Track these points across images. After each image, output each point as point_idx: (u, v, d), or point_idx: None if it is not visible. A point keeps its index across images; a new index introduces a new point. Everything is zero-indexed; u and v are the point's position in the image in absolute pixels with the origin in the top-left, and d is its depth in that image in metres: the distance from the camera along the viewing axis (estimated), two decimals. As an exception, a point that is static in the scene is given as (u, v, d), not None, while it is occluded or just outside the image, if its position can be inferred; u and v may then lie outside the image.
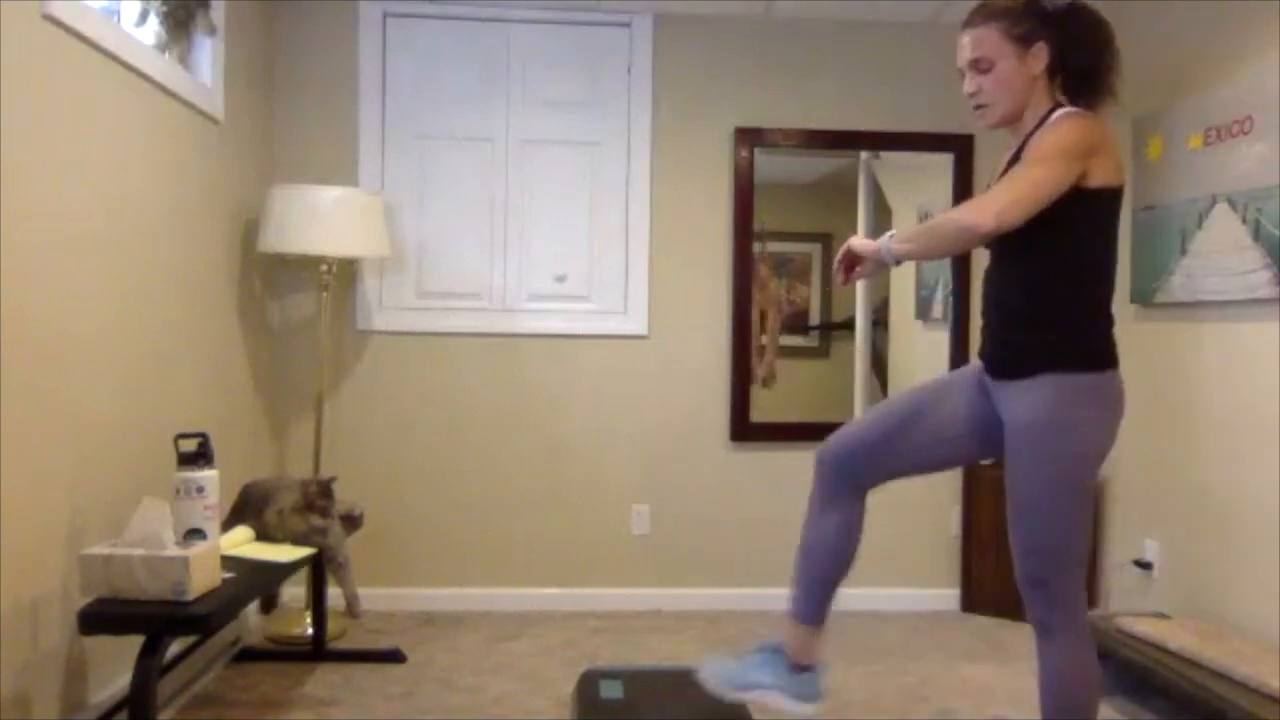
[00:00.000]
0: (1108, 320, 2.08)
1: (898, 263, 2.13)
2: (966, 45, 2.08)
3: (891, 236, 2.12)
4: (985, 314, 2.17)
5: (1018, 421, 2.03)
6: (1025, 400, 2.01)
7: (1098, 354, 2.04)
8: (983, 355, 2.17)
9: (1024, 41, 2.04)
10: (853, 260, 2.21)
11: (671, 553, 4.07)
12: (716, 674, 2.35)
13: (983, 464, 3.94)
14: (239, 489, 3.08)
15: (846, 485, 2.25)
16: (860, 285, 4.13)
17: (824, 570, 2.27)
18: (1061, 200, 1.94)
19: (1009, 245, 2.05)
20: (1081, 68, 2.08)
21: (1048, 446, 1.99)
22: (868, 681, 3.22)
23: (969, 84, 2.10)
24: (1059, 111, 2.03)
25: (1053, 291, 2.02)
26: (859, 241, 2.19)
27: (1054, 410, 1.98)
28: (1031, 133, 2.04)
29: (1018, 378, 2.04)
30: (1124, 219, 3.75)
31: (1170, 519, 3.44)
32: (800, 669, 2.30)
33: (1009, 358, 2.07)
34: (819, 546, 2.27)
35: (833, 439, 2.27)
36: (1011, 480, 2.04)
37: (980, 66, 2.07)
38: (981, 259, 2.23)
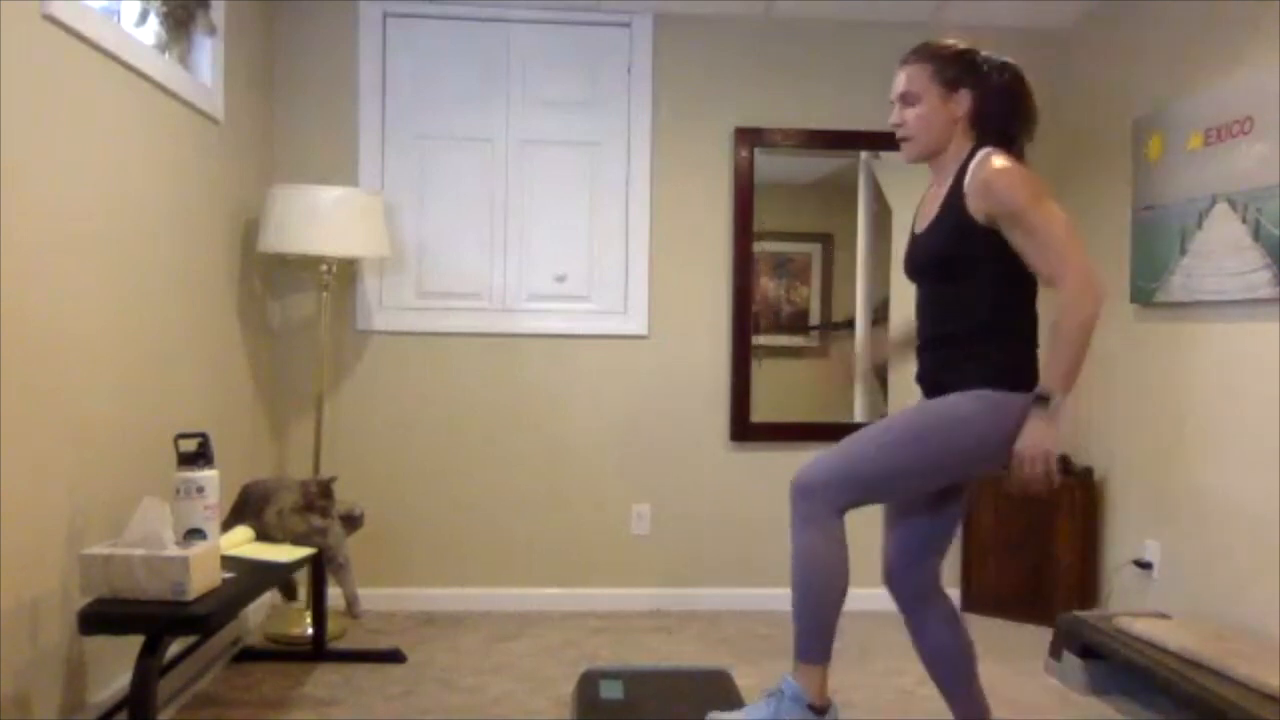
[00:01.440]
0: (1031, 346, 2.18)
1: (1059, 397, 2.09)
2: (900, 79, 2.24)
3: (1041, 398, 2.05)
4: (919, 336, 2.29)
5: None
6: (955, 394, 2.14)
7: (1017, 378, 2.12)
8: (918, 377, 2.29)
9: (951, 86, 2.18)
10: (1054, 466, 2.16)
11: (671, 553, 4.07)
12: None
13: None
14: (239, 489, 3.08)
15: (826, 511, 2.22)
16: (860, 285, 4.13)
17: (830, 607, 2.23)
18: (986, 237, 2.09)
19: (937, 276, 2.20)
20: (997, 124, 2.20)
21: (930, 407, 2.14)
22: (868, 681, 3.22)
23: (895, 115, 2.25)
24: (982, 151, 2.14)
25: (979, 319, 2.13)
26: (1051, 444, 2.08)
27: (958, 398, 2.11)
28: (960, 174, 2.14)
29: (945, 393, 2.15)
30: (1124, 219, 3.78)
31: (1170, 519, 3.44)
32: (820, 711, 2.25)
33: (940, 378, 2.19)
34: (819, 582, 2.22)
35: (806, 470, 2.22)
36: (899, 416, 2.18)
37: (907, 100, 2.22)
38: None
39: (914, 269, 2.30)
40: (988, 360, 2.12)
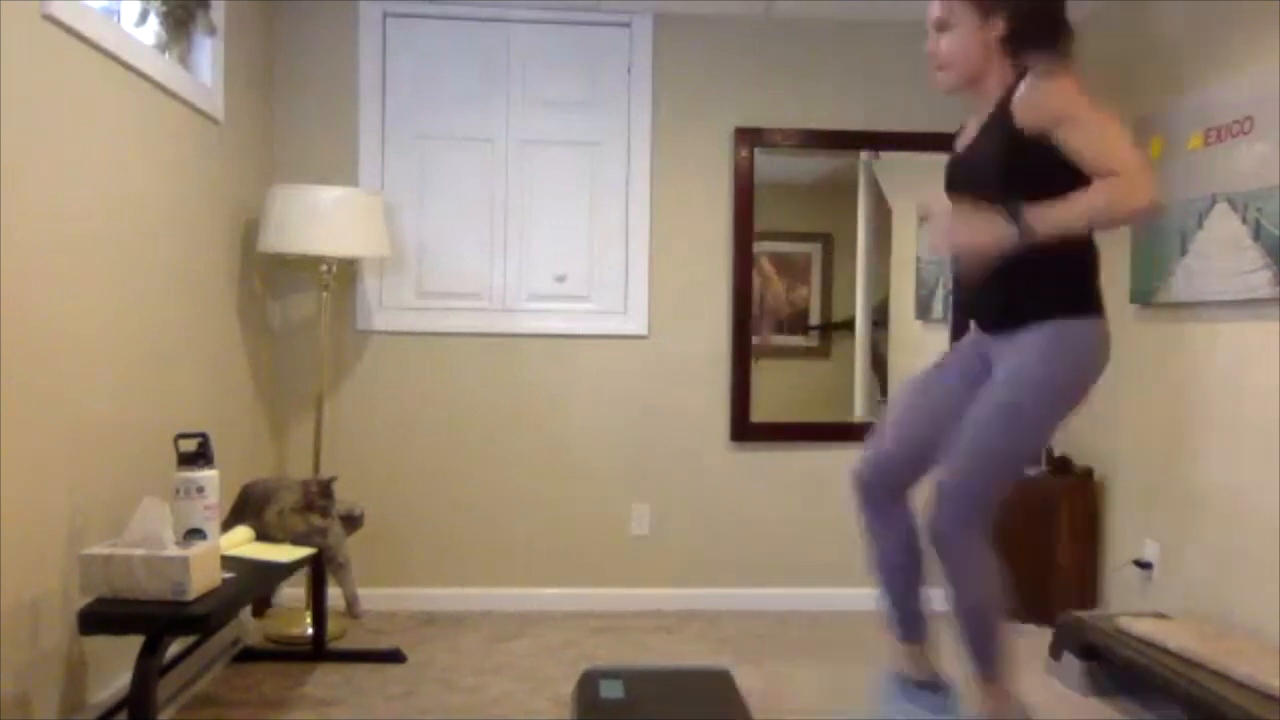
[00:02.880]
0: (1096, 270, 2.17)
1: (1032, 240, 2.06)
2: (934, 7, 2.20)
3: (1015, 216, 2.04)
4: (973, 274, 2.21)
5: (1018, 352, 2.11)
6: (1029, 341, 2.10)
7: (1089, 303, 2.13)
8: (977, 317, 2.25)
9: (984, 10, 2.15)
10: (966, 233, 2.15)
11: (671, 553, 4.07)
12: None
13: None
14: (239, 489, 3.08)
15: (890, 496, 2.27)
16: (860, 285, 4.13)
17: (909, 586, 2.28)
18: (1036, 150, 2.05)
19: (988, 188, 2.13)
20: (1034, 45, 2.16)
21: (1040, 371, 2.10)
22: (868, 681, 3.22)
23: (930, 43, 2.21)
24: (1030, 76, 2.10)
25: (1043, 251, 2.06)
26: (976, 217, 2.09)
27: (1055, 345, 2.08)
28: (1006, 99, 2.11)
29: (1020, 328, 2.11)
30: (1124, 219, 3.75)
31: (1170, 519, 3.44)
32: (935, 686, 2.27)
33: (1010, 311, 2.14)
34: (896, 563, 2.27)
35: (864, 460, 2.28)
36: (992, 394, 2.13)
37: (941, 27, 2.19)
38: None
39: (958, 190, 2.24)
40: (1063, 286, 2.10)
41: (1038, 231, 2.01)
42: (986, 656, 2.16)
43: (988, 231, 2.05)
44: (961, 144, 2.27)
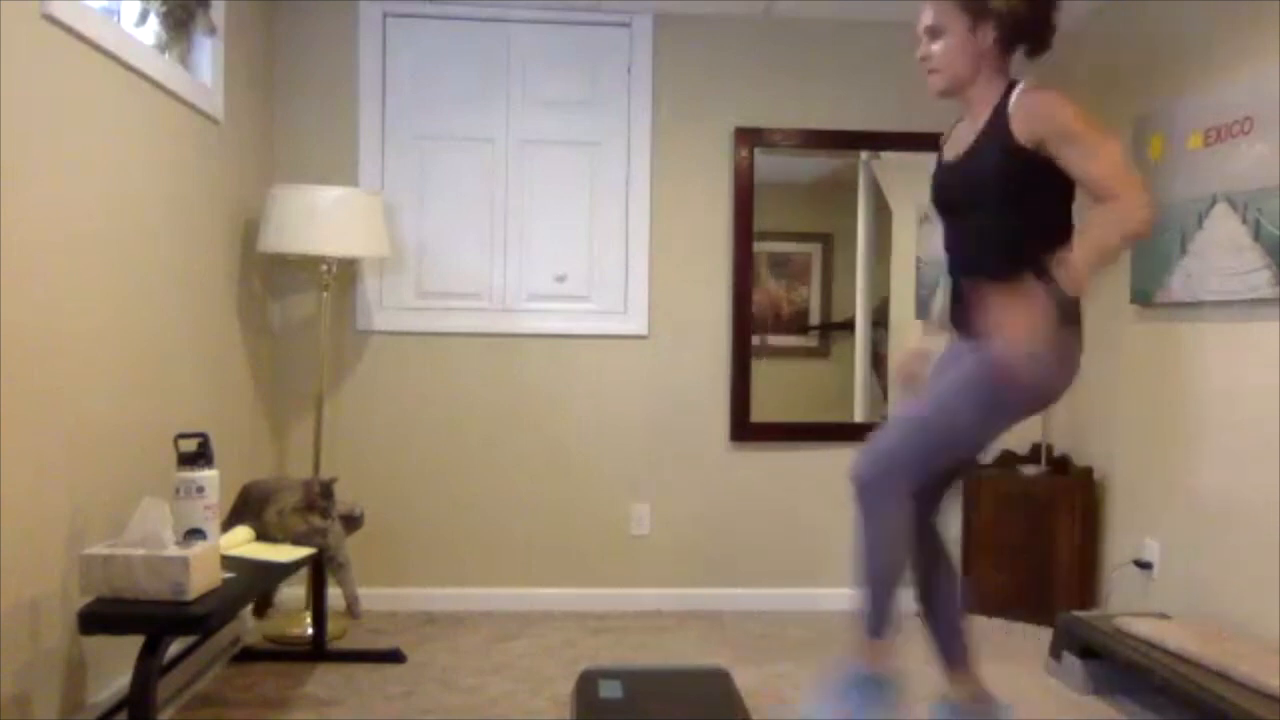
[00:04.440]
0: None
1: (1076, 290, 2.09)
2: (927, 13, 2.24)
3: (1048, 278, 2.04)
4: (953, 272, 2.27)
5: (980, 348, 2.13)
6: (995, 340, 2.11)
7: (1067, 310, 2.12)
8: (955, 319, 2.28)
9: (977, 16, 2.18)
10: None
11: (671, 553, 4.07)
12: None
13: (981, 465, 3.95)
14: (239, 489, 3.08)
15: (888, 495, 2.27)
16: (860, 285, 4.13)
17: (890, 584, 2.29)
18: (1031, 163, 2.10)
19: (980, 203, 2.20)
20: (1025, 50, 2.23)
21: (984, 365, 2.11)
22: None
23: (922, 48, 2.25)
24: (1021, 85, 2.16)
25: (1026, 251, 2.10)
26: (1020, 316, 2.05)
27: (1015, 344, 2.07)
28: (1000, 108, 2.15)
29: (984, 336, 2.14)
30: (1124, 219, 3.74)
31: (1170, 519, 3.44)
32: (881, 682, 2.30)
33: (977, 320, 2.16)
34: (880, 563, 2.27)
35: (861, 456, 2.29)
36: (950, 373, 2.19)
37: (933, 33, 2.22)
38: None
39: (951, 198, 2.28)
40: (1035, 292, 2.09)
41: (1075, 286, 2.04)
42: (874, 619, 2.22)
43: (1030, 310, 2.03)
44: (951, 154, 2.28)
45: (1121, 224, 2.01)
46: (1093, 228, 2.03)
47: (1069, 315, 2.13)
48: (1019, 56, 2.26)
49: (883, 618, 2.29)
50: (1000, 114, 2.14)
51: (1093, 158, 2.05)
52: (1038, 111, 2.09)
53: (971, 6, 2.18)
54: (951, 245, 2.29)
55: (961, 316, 2.25)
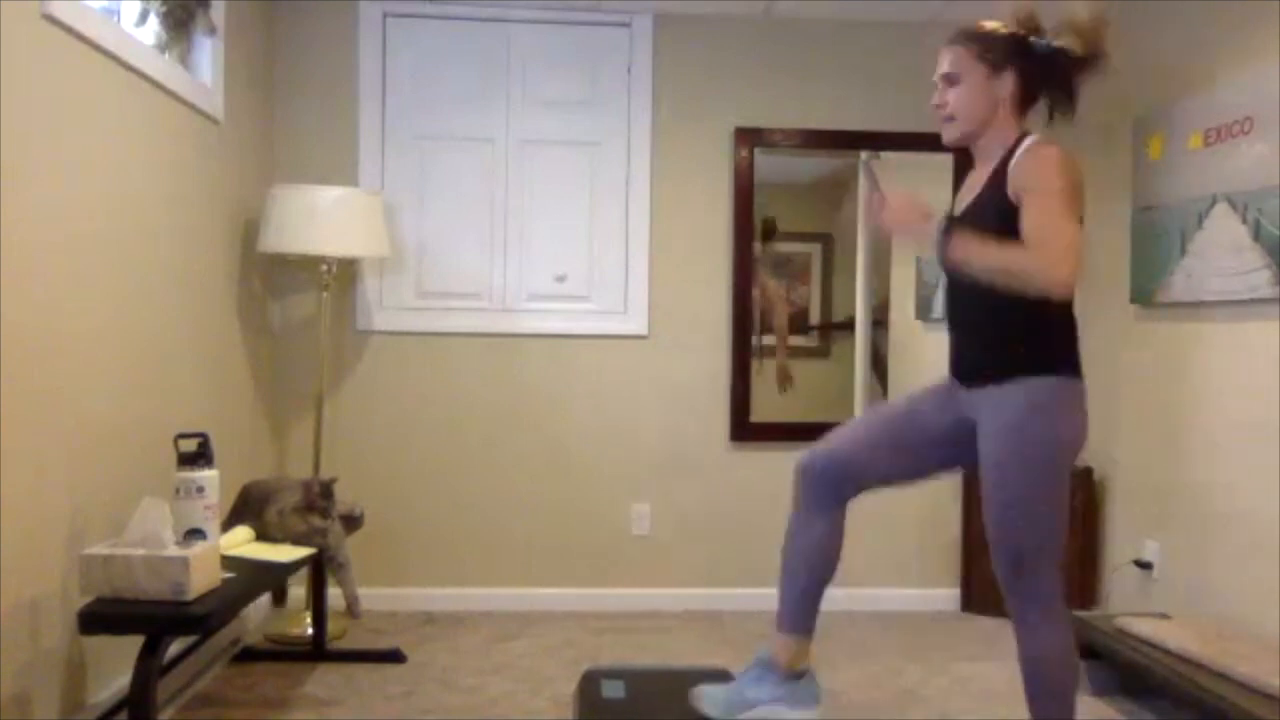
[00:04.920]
0: (1074, 330, 2.17)
1: (944, 259, 2.10)
2: (944, 60, 2.22)
3: (946, 228, 2.08)
4: (956, 326, 2.26)
5: (998, 426, 2.11)
6: (1005, 405, 2.10)
7: (1067, 362, 2.13)
8: (955, 367, 2.27)
9: (995, 67, 2.16)
10: (900, 216, 2.18)
11: (671, 553, 4.07)
12: (714, 702, 2.41)
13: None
14: (239, 489, 3.08)
15: (830, 495, 2.33)
16: (860, 285, 4.13)
17: (813, 582, 2.34)
18: None
19: None
20: (1049, 95, 2.20)
21: (1029, 447, 2.09)
22: (868, 681, 3.22)
23: (937, 96, 2.24)
24: (1029, 140, 2.12)
25: (1025, 307, 2.07)
26: (917, 206, 2.15)
27: (1033, 413, 2.08)
28: (1004, 161, 2.12)
29: (994, 384, 2.13)
30: (1124, 219, 3.77)
31: (1170, 519, 3.44)
32: (795, 676, 2.34)
33: (986, 367, 2.16)
34: (809, 558, 2.33)
35: (814, 451, 2.35)
36: (995, 480, 2.13)
37: (949, 80, 2.20)
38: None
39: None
40: (1035, 349, 2.10)
41: (955, 253, 2.05)
42: (1057, 715, 2.18)
43: (918, 223, 2.13)
44: (960, 205, 2.26)
45: (1034, 268, 1.96)
46: (1007, 249, 1.99)
47: (1072, 367, 2.12)
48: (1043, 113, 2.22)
49: (804, 614, 2.33)
50: (1003, 169, 2.11)
51: (1044, 213, 1.99)
52: (1024, 161, 2.06)
53: (990, 56, 2.15)
54: (953, 301, 2.26)
55: (964, 368, 2.23)
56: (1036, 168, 2.04)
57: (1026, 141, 2.12)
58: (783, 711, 2.33)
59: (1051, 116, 2.20)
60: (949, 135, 2.24)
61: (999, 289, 2.05)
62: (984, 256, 2.02)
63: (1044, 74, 2.16)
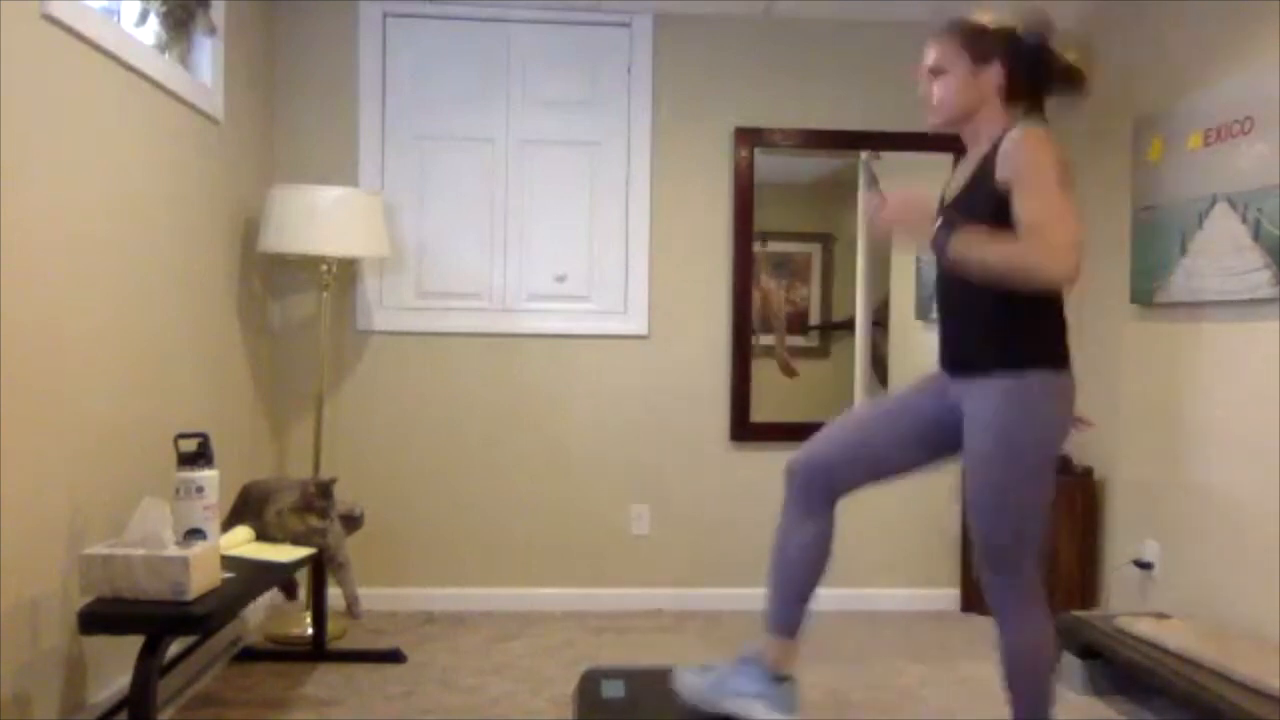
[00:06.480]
0: (1062, 324, 2.17)
1: (943, 255, 2.10)
2: (930, 53, 2.24)
3: (943, 225, 2.08)
4: (945, 316, 2.27)
5: (982, 418, 2.12)
6: (990, 397, 2.11)
7: (1054, 355, 2.13)
8: (943, 357, 2.28)
9: (981, 58, 2.18)
10: (899, 214, 2.18)
11: (671, 553, 4.07)
12: (693, 684, 2.42)
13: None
14: (239, 489, 3.08)
15: (819, 495, 2.31)
16: (860, 285, 4.13)
17: (803, 584, 2.34)
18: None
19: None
20: (1031, 93, 2.21)
21: (1012, 438, 2.10)
22: (868, 681, 3.22)
23: (923, 87, 2.25)
24: (1016, 130, 2.11)
25: (1011, 299, 2.08)
26: (916, 204, 2.16)
27: (1017, 406, 2.09)
28: (993, 150, 2.12)
29: (981, 375, 2.13)
30: (1124, 219, 3.77)
31: (1170, 519, 3.44)
32: (779, 679, 2.34)
33: (973, 358, 2.16)
34: (798, 559, 2.33)
35: (803, 451, 2.34)
36: (977, 471, 2.14)
37: (935, 73, 2.22)
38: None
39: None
40: (1020, 342, 2.10)
41: (955, 252, 2.05)
42: (1036, 701, 2.23)
43: (917, 222, 2.13)
44: (950, 193, 2.27)
45: (1034, 261, 1.95)
46: (1008, 245, 1.99)
47: (1061, 359, 2.13)
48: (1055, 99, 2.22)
49: (792, 616, 2.33)
50: (991, 156, 2.11)
51: (1039, 204, 1.98)
52: (1009, 150, 2.06)
53: (974, 48, 2.16)
54: (942, 291, 2.27)
55: (951, 359, 2.24)
56: (1020, 154, 2.04)
57: (1012, 132, 2.11)
58: (760, 710, 2.33)
59: (1063, 98, 2.20)
60: (930, 121, 2.26)
61: (978, 288, 2.07)
62: (985, 255, 2.02)
63: (1030, 67, 2.16)
